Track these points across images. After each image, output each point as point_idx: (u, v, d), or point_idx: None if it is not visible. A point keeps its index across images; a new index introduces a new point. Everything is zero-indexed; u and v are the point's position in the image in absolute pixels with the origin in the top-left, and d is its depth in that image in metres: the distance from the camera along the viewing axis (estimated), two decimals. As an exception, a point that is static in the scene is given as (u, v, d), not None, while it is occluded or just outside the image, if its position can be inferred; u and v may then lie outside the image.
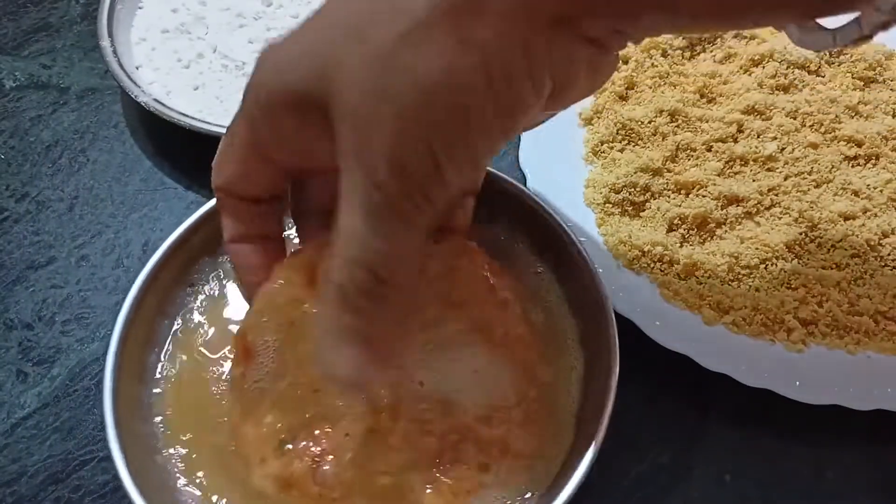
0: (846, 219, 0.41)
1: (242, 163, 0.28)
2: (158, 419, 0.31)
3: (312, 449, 0.29)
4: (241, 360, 0.30)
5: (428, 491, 0.28)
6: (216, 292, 0.35)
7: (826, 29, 0.26)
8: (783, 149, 0.44)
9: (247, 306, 0.31)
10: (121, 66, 0.48)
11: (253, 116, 0.27)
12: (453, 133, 0.22)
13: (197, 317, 0.34)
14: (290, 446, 0.29)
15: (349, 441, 0.29)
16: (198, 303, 0.35)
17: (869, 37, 0.24)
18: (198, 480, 0.30)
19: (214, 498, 0.30)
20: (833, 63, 0.48)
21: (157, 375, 0.32)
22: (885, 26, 0.23)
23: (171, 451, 0.31)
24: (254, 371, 0.30)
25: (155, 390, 0.32)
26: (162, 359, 0.33)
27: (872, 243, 0.40)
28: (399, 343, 0.27)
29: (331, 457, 0.28)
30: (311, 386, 0.29)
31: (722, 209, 0.41)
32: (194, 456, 0.31)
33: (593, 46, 0.23)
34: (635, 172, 0.42)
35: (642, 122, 0.45)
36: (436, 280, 0.30)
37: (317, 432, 0.29)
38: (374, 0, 0.22)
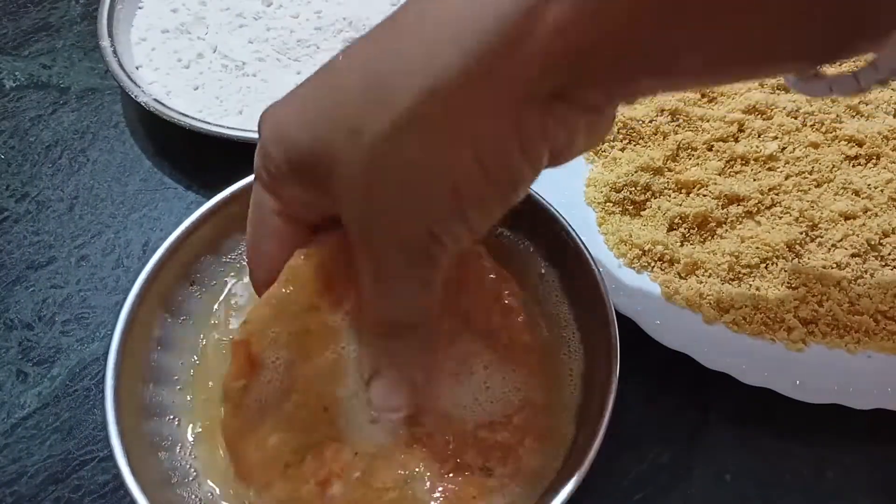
0: (847, 218, 0.41)
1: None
2: (160, 417, 0.31)
3: (320, 471, 0.28)
4: (243, 371, 0.27)
5: (435, 496, 0.28)
6: (218, 289, 0.35)
7: (823, 77, 0.26)
8: (784, 148, 0.44)
9: (249, 304, 0.31)
10: (121, 66, 0.48)
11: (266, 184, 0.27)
12: (451, 216, 0.23)
13: (199, 314, 0.34)
14: (296, 469, 0.28)
15: (358, 460, 0.28)
16: (200, 300, 0.34)
17: (865, 90, 0.25)
18: (200, 479, 0.30)
19: (217, 497, 0.30)
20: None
21: (159, 373, 0.32)
22: (882, 83, 0.25)
23: (173, 449, 0.31)
24: (258, 386, 0.27)
25: (156, 388, 0.32)
26: (163, 357, 0.33)
27: (873, 243, 0.40)
28: (427, 367, 0.29)
29: (338, 477, 0.28)
30: (321, 403, 0.28)
31: (722, 208, 0.41)
32: (196, 455, 0.31)
33: (589, 112, 0.23)
34: (636, 171, 0.42)
35: (643, 122, 0.45)
36: (444, 289, 0.28)
37: (325, 453, 0.28)
38: (365, 89, 0.23)
